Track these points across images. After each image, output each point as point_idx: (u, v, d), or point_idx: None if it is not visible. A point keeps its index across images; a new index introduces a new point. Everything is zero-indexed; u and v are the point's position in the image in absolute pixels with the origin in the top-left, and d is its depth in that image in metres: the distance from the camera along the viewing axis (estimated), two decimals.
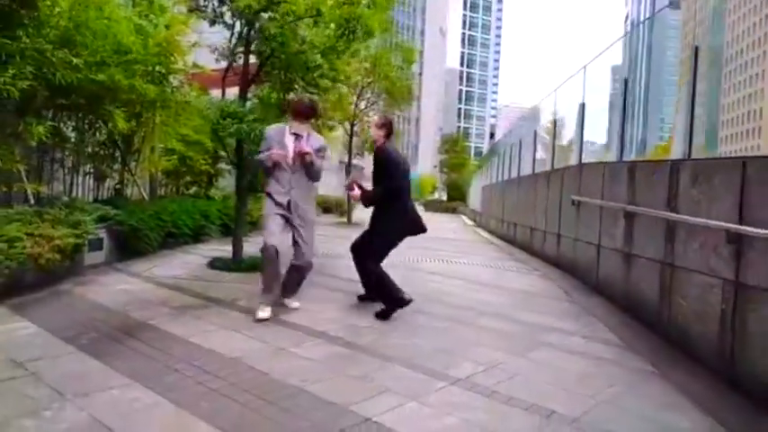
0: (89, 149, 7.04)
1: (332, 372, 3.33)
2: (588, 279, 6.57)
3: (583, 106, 8.37)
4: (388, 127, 4.83)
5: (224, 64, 6.67)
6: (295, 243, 4.54)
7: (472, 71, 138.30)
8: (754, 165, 3.51)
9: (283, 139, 4.50)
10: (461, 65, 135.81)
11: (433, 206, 36.69)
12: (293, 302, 4.80)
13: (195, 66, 7.92)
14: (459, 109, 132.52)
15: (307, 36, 5.27)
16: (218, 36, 7.57)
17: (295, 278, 4.71)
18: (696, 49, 7.13)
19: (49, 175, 6.22)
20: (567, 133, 9.88)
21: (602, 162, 6.77)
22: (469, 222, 21.88)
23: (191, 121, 8.50)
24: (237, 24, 6.27)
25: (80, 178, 7.13)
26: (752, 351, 3.33)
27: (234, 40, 6.56)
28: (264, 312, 4.35)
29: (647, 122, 41.43)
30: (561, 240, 8.03)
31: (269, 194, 4.50)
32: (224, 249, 7.11)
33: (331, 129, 13.32)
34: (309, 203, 4.70)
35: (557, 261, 8.16)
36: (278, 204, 4.46)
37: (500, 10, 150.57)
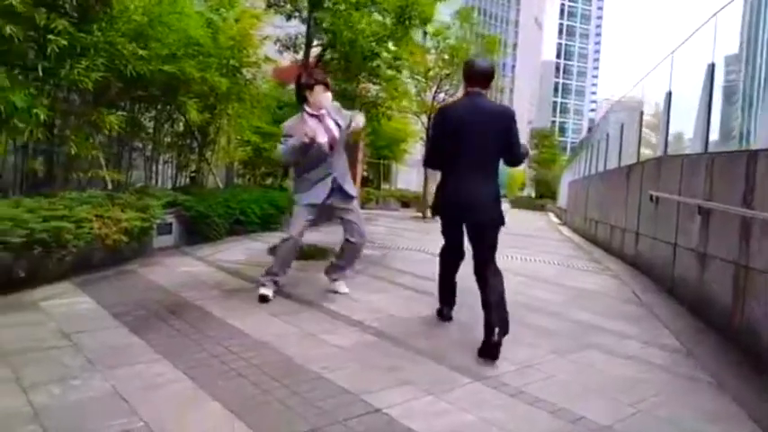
0: (167, 140, 7.46)
1: (356, 361, 3.29)
2: (663, 281, 6.07)
3: (669, 95, 7.74)
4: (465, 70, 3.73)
5: (289, 56, 6.82)
6: (346, 221, 4.52)
7: (570, 63, 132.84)
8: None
9: (304, 126, 4.22)
10: (558, 56, 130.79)
11: (521, 203, 35.70)
12: (342, 287, 4.76)
13: (267, 59, 8.16)
14: (555, 102, 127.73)
15: (360, 25, 5.24)
16: (289, 30, 7.77)
17: (350, 255, 4.67)
18: None
19: (128, 164, 6.65)
20: (659, 123, 9.20)
21: (681, 155, 6.21)
22: (555, 220, 21.03)
23: (265, 113, 8.81)
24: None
25: (159, 167, 7.58)
26: None
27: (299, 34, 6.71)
28: (268, 290, 4.40)
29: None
30: (639, 239, 7.49)
31: (299, 191, 4.45)
32: None
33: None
34: (350, 182, 4.57)
35: (634, 261, 7.62)
36: (311, 207, 4.41)
37: None
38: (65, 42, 4.69)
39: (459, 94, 15.27)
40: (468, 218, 3.68)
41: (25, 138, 4.69)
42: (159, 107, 6.88)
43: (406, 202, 18.91)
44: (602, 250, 9.78)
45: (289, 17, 7.01)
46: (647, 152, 8.90)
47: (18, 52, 4.51)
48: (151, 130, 6.94)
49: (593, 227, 11.67)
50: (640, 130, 9.40)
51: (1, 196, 4.58)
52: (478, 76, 3.61)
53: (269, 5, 6.99)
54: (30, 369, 2.80)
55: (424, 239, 8.74)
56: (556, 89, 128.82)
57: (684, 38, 7.35)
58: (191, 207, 6.46)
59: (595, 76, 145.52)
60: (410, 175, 23.44)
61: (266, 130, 9.44)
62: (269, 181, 10.82)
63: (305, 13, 6.26)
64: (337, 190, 4.40)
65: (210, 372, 2.95)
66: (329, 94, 4.38)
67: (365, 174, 17.40)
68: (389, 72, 6.42)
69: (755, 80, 7.51)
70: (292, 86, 9.44)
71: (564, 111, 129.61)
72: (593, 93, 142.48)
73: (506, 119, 3.58)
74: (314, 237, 6.97)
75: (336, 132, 4.32)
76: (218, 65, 6.91)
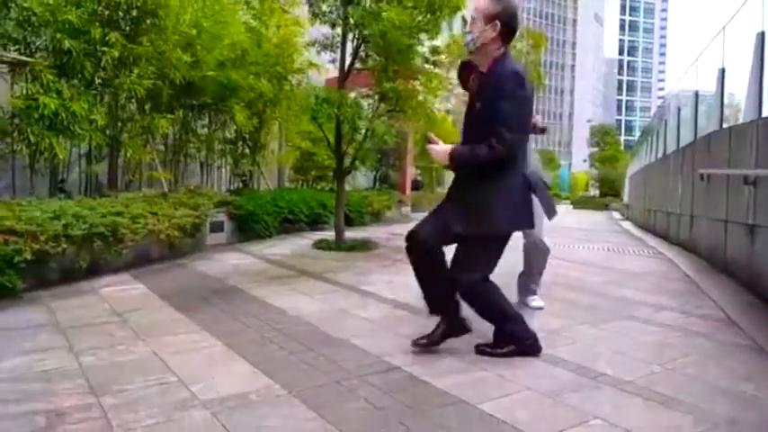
0: (220, 146, 7.87)
1: (384, 330, 3.40)
2: (717, 261, 5.81)
3: (722, 72, 7.42)
4: (502, 18, 2.58)
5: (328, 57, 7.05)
6: None
7: (634, 59, 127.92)
8: None
9: None
10: (620, 53, 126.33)
11: (582, 203, 34.54)
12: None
13: (311, 64, 8.46)
14: (619, 101, 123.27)
15: (387, 14, 5.38)
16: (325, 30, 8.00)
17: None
18: None
19: (184, 169, 7.09)
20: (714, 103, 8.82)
21: (729, 127, 5.95)
22: (617, 216, 20.27)
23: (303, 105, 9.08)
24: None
25: (214, 172, 8.02)
26: None
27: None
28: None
29: None
30: (694, 222, 7.19)
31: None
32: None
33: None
34: None
35: (690, 245, 7.31)
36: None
37: None
38: (117, 54, 5.11)
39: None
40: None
41: (85, 143, 5.12)
42: (211, 114, 7.29)
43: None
44: (660, 239, 9.42)
45: (333, 26, 7.20)
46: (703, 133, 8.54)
47: (76, 64, 4.95)
48: (203, 137, 7.36)
49: (653, 217, 11.25)
50: (696, 112, 9.04)
51: (66, 198, 5.01)
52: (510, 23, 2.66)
53: (314, 15, 7.21)
54: (81, 338, 3.10)
55: None
56: (620, 87, 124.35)
57: (733, 12, 7.06)
58: (240, 206, 6.79)
59: (662, 71, 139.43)
60: None
61: (316, 135, 9.77)
62: (320, 185, 11.14)
63: (338, 12, 6.44)
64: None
65: (244, 339, 3.15)
66: None
67: (418, 178, 17.48)
68: (427, 66, 6.51)
69: None
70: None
71: (630, 108, 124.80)
72: (661, 89, 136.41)
73: None
74: (358, 234, 7.16)
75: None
76: (263, 71, 7.25)
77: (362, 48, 6.28)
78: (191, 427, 2.05)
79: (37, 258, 3.99)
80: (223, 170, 8.33)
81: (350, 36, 6.42)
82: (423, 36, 5.95)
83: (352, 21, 5.78)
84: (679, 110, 10.48)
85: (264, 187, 8.84)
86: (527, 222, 2.83)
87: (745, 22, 6.97)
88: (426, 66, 6.77)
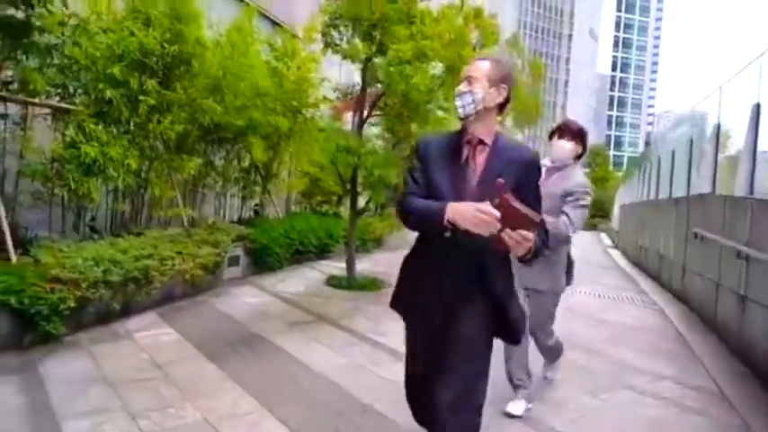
0: (234, 175, 8.12)
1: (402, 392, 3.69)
2: (707, 317, 6.18)
3: (718, 127, 7.82)
4: (509, 83, 2.22)
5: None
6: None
7: (626, 76, 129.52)
8: None
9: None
10: (613, 69, 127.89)
11: None
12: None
13: (325, 98, 8.74)
14: (610, 116, 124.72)
15: (412, 78, 5.69)
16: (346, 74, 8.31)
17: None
18: None
19: (201, 199, 7.33)
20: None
21: (723, 195, 6.33)
22: (607, 242, 20.74)
23: (320, 146, 9.40)
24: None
25: (227, 201, 8.26)
26: None
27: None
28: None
29: None
30: (686, 273, 7.57)
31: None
32: (342, 267, 7.71)
33: None
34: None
35: (682, 296, 7.69)
36: None
37: (660, 9, 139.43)
38: (153, 101, 5.37)
39: (509, 123, 15.47)
40: None
41: (118, 185, 5.36)
42: (228, 147, 7.54)
43: None
44: (652, 280, 9.81)
45: (345, 57, 7.48)
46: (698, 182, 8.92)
47: (114, 111, 5.19)
48: (221, 168, 7.60)
49: (644, 254, 11.65)
50: (690, 164, 9.43)
51: (97, 237, 5.24)
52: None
53: (326, 45, 7.49)
54: (132, 396, 3.36)
55: None
56: (611, 103, 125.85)
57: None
58: (255, 240, 7.05)
59: (653, 89, 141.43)
60: None
61: (324, 163, 10.05)
62: (324, 208, 11.41)
63: (360, 63, 6.72)
64: None
65: (277, 398, 3.47)
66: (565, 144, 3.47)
67: None
68: (440, 113, 6.82)
69: None
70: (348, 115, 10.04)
71: (620, 124, 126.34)
72: (651, 106, 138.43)
73: None
74: (364, 266, 7.44)
75: None
76: (281, 106, 7.53)
77: (382, 98, 6.58)
78: None
79: (78, 304, 4.23)
80: (236, 198, 8.57)
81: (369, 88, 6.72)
82: (439, 94, 6.27)
83: (378, 76, 6.05)
84: (674, 154, 10.88)
85: (274, 215, 9.09)
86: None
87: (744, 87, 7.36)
88: (439, 112, 7.07)
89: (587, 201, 3.36)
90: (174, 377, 3.71)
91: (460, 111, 2.15)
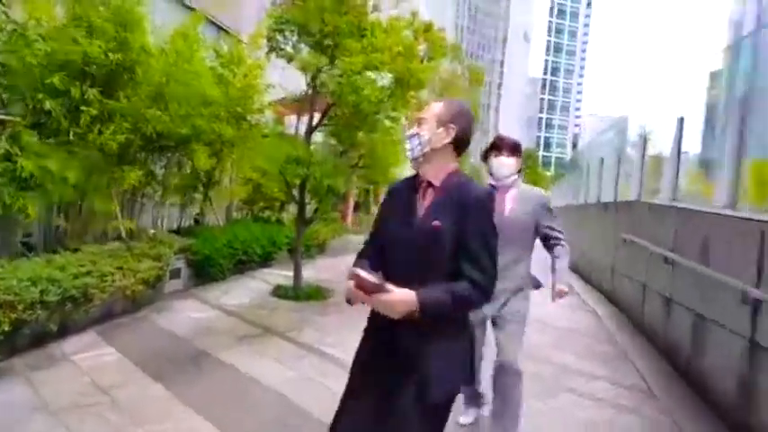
0: (175, 183, 7.90)
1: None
2: (635, 318, 6.60)
3: (645, 139, 8.34)
4: (459, 124, 2.13)
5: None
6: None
7: (556, 79, 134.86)
8: None
9: None
10: (545, 73, 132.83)
11: None
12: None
13: (270, 104, 8.65)
14: (540, 118, 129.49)
15: (363, 90, 5.77)
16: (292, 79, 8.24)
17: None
18: None
19: (139, 209, 7.10)
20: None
21: (648, 203, 6.78)
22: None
23: (265, 153, 9.30)
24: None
25: (166, 210, 8.03)
26: (762, 409, 3.42)
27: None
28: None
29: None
30: (615, 275, 8.03)
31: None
32: (287, 275, 7.68)
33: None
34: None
35: (613, 297, 8.15)
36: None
37: (588, 16, 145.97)
38: (95, 112, 5.17)
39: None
40: None
41: (56, 200, 5.13)
42: (170, 155, 7.34)
43: None
44: (584, 281, 10.32)
45: (290, 60, 7.46)
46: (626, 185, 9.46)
47: (53, 123, 4.97)
48: (161, 177, 7.39)
49: (574, 253, 12.22)
50: (618, 170, 10.00)
51: (32, 255, 4.99)
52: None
53: (271, 49, 7.43)
54: (78, 425, 3.24)
55: None
56: (542, 106, 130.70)
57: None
58: (198, 251, 6.90)
59: (580, 92, 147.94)
60: None
61: (267, 168, 9.95)
62: (266, 214, 11.29)
63: (311, 73, 6.71)
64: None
65: (232, 419, 3.44)
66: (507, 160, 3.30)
67: (356, 200, 17.88)
68: (387, 123, 6.92)
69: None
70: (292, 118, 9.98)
71: (549, 126, 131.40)
72: (578, 108, 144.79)
73: None
74: (308, 273, 7.44)
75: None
76: (225, 113, 7.41)
77: (332, 109, 6.62)
78: None
79: (13, 328, 4.03)
80: (175, 207, 8.34)
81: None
82: (388, 104, 6.36)
83: (329, 88, 6.07)
84: (602, 160, 11.48)
85: (215, 222, 8.92)
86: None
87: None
88: (387, 122, 7.17)
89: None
90: (119, 401, 3.61)
91: (409, 153, 2.12)
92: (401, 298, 1.87)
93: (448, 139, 2.08)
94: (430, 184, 2.09)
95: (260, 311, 6.14)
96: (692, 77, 7.26)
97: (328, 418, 3.43)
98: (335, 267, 9.29)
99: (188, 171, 8.07)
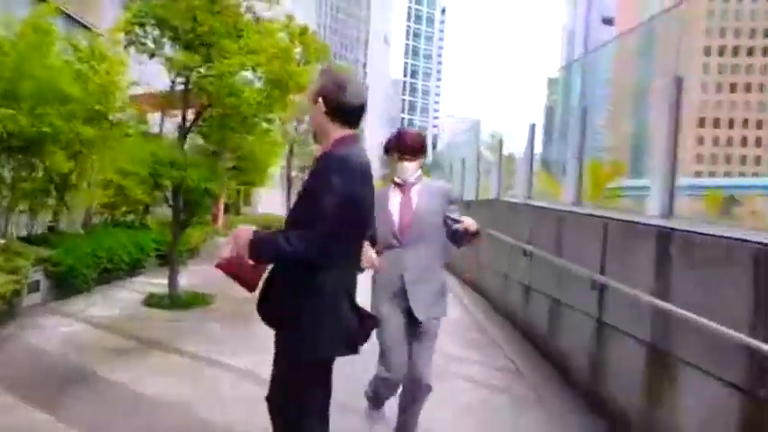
0: (26, 186, 7.17)
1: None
2: (500, 306, 7.29)
3: (500, 142, 9.19)
4: (325, 94, 2.15)
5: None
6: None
7: (415, 81, 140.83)
8: (613, 226, 4.24)
9: (387, 202, 3.05)
10: (405, 75, 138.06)
11: None
12: None
13: (132, 101, 8.15)
14: (403, 119, 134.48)
15: (242, 92, 5.73)
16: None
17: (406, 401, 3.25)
18: None
19: None
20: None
21: (506, 201, 7.54)
22: None
23: (128, 153, 8.73)
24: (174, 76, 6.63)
25: (15, 217, 7.24)
26: (607, 378, 4.04)
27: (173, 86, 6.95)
28: None
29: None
30: (480, 268, 8.76)
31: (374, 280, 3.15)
32: (159, 283, 7.35)
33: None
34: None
35: (478, 287, 8.87)
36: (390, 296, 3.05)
37: (443, 22, 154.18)
38: None
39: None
40: None
41: None
42: (20, 157, 6.66)
43: (267, 227, 18.92)
44: (449, 272, 11.08)
45: (152, 55, 7.18)
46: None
47: None
48: (10, 181, 6.67)
49: None
50: (478, 172, 10.88)
51: None
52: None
53: (130, 43, 7.09)
54: None
55: None
56: (403, 107, 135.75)
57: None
58: (59, 262, 6.36)
59: (438, 95, 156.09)
60: (273, 196, 22.56)
61: (130, 169, 9.34)
62: (130, 218, 10.60)
63: (168, 49, 6.47)
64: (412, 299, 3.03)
65: None
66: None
67: (225, 202, 17.33)
68: (265, 125, 6.91)
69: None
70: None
71: (410, 126, 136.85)
72: (436, 110, 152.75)
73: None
74: (182, 280, 7.19)
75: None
76: (84, 111, 6.89)
77: (208, 110, 6.45)
78: None
79: None
80: (23, 214, 7.54)
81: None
82: (267, 106, 6.35)
83: (206, 88, 5.90)
84: (464, 161, 12.39)
85: (71, 228, 8.22)
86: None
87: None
88: (264, 124, 7.15)
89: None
90: None
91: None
92: (243, 229, 2.07)
93: (321, 110, 2.13)
94: (317, 159, 2.19)
95: (135, 323, 5.83)
96: (533, 84, 8.16)
97: (239, 427, 3.45)
98: (209, 272, 9.00)
99: (40, 174, 7.35)
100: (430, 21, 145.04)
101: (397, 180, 3.14)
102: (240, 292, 2.21)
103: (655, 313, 3.36)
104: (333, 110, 2.13)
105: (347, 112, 2.15)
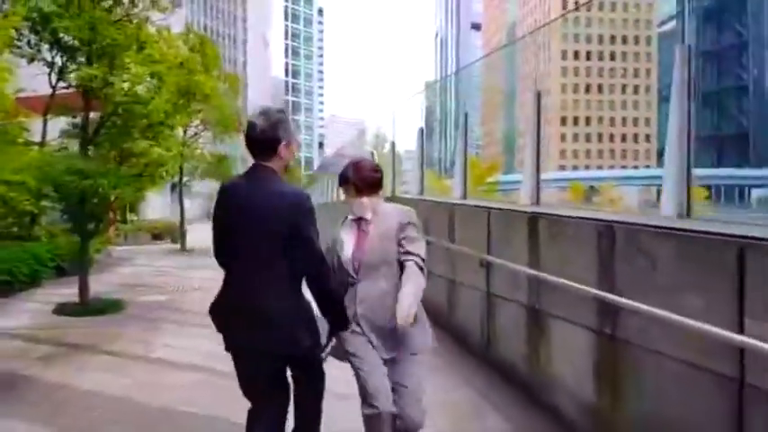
0: None
1: (203, 391, 4.10)
2: (424, 302, 8.07)
3: (393, 144, 10.02)
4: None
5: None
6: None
7: (297, 81, 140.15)
8: (495, 214, 5.14)
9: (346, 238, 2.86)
10: (286, 75, 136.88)
11: None
12: None
13: (17, 110, 7.91)
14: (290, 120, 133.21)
15: (149, 101, 5.95)
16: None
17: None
18: None
19: None
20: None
21: (402, 197, 8.36)
22: None
23: (12, 163, 8.39)
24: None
25: None
26: (498, 340, 4.93)
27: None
28: None
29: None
30: None
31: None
32: (63, 293, 7.27)
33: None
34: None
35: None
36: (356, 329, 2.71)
37: (321, 23, 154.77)
38: None
39: (211, 133, 15.96)
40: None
41: None
42: None
43: (157, 234, 18.45)
44: None
45: (31, 60, 7.17)
46: None
47: None
48: None
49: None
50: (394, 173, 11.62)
51: None
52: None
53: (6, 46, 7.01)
54: None
55: (195, 274, 9.59)
56: (287, 107, 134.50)
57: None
58: None
59: (321, 95, 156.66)
60: (158, 201, 21.65)
61: (15, 179, 8.97)
62: (14, 230, 10.11)
63: (45, 53, 6.49)
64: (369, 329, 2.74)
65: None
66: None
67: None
68: (167, 131, 7.10)
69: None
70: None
71: (296, 127, 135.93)
72: (321, 110, 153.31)
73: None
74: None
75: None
76: None
77: (111, 119, 6.55)
78: None
79: None
80: None
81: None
82: (174, 115, 6.60)
83: (113, 99, 6.02)
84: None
85: None
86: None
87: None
88: (166, 130, 7.34)
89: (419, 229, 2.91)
90: None
91: None
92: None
93: (284, 158, 2.57)
94: None
95: (55, 331, 5.84)
96: (411, 88, 9.12)
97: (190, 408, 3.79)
98: (112, 281, 9.00)
99: None
100: (308, 21, 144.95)
101: (352, 217, 2.89)
102: (148, 297, 2.55)
103: (530, 281, 4.26)
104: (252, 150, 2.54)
105: (258, 147, 2.51)
